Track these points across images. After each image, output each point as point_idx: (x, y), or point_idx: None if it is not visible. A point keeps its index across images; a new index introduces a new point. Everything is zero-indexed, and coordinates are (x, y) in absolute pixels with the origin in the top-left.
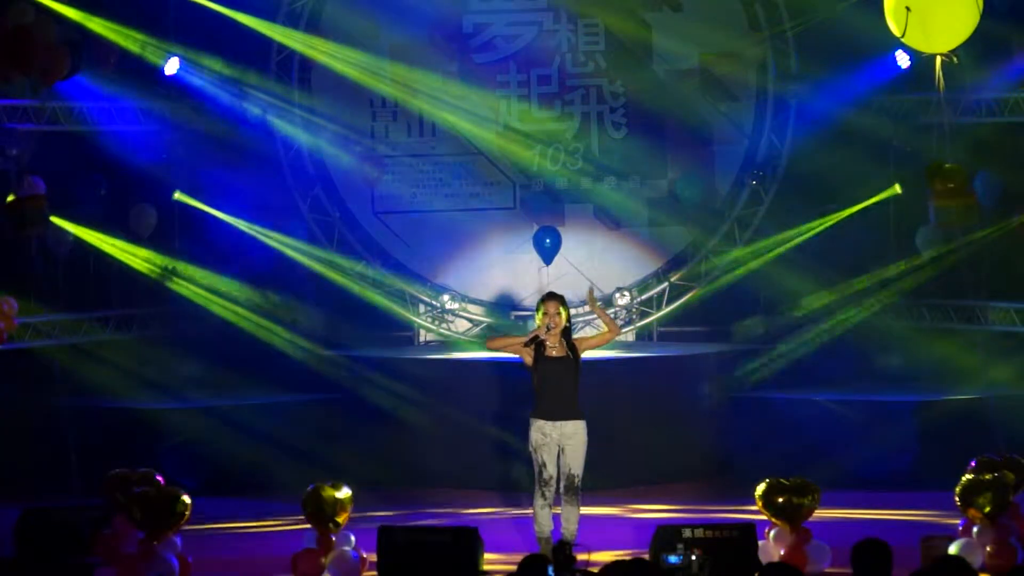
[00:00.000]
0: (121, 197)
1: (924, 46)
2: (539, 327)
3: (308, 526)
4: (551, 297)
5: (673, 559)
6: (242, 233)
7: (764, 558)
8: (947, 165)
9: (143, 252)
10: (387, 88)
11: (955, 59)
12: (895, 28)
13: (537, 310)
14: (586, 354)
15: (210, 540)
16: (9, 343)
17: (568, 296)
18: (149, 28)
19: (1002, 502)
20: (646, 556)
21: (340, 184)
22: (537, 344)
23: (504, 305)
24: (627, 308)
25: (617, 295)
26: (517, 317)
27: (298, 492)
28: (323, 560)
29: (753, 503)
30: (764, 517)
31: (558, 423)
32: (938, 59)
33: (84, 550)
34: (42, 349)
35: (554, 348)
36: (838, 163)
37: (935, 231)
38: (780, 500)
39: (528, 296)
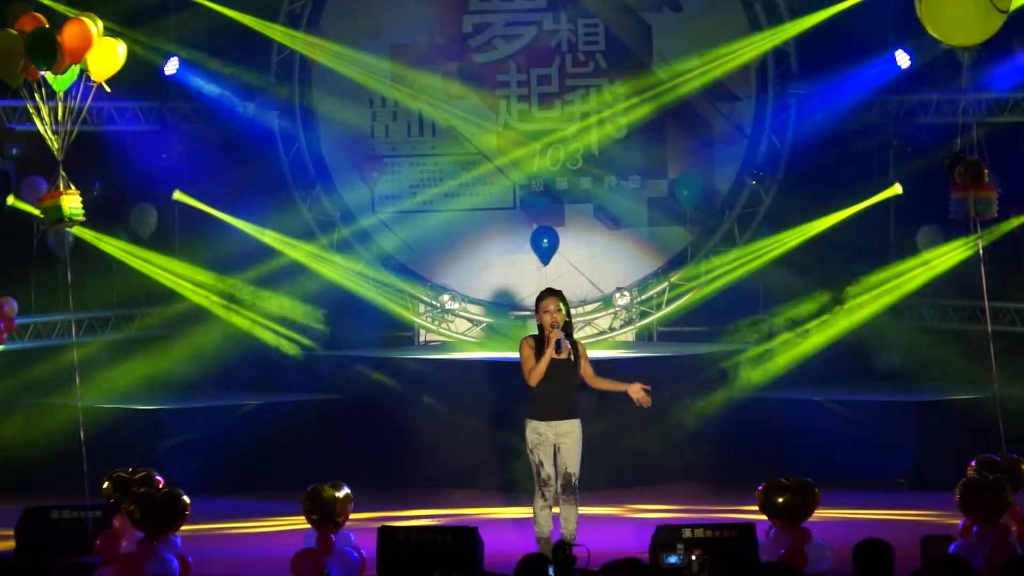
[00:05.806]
0: (121, 197)
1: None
2: (550, 333)
3: (308, 526)
4: (549, 294)
5: (673, 559)
6: (242, 233)
7: (764, 558)
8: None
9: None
10: (387, 88)
11: None
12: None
13: (536, 309)
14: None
15: (210, 540)
16: (9, 343)
17: (567, 295)
18: (149, 28)
19: (1002, 502)
20: (646, 556)
21: (340, 184)
22: (538, 346)
23: (504, 305)
24: (627, 308)
25: (617, 295)
26: (517, 317)
27: (298, 492)
28: (323, 560)
29: (753, 503)
30: (764, 517)
31: (553, 423)
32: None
33: (84, 550)
34: (42, 349)
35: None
36: (838, 163)
37: (935, 231)
38: (780, 500)
39: (528, 296)
